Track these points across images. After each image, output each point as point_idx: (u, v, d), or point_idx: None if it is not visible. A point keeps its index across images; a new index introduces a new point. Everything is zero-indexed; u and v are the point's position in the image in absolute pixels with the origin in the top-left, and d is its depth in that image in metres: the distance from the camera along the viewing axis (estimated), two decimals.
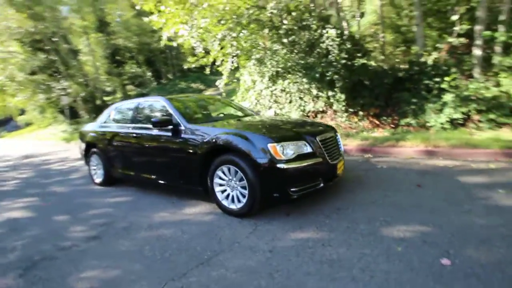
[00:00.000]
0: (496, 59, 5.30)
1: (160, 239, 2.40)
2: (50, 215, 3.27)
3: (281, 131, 2.82)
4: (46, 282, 1.93)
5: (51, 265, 2.15)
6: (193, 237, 2.39)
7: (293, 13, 6.72)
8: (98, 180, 4.40)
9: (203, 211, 2.95)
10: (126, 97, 19.81)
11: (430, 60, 6.02)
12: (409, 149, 4.47)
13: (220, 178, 2.78)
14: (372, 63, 6.39)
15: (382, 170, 3.79)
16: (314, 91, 6.73)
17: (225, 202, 2.77)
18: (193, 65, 9.60)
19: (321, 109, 6.72)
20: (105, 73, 19.67)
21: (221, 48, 8.91)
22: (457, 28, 6.43)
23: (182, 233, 2.47)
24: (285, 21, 6.73)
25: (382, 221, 2.33)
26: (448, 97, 5.36)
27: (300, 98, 6.77)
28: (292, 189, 2.45)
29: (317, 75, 5.98)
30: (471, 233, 2.03)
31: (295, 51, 6.70)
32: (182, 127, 3.08)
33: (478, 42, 5.46)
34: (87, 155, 4.57)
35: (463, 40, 6.45)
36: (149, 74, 22.65)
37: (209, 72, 10.14)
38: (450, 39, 6.32)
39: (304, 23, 6.49)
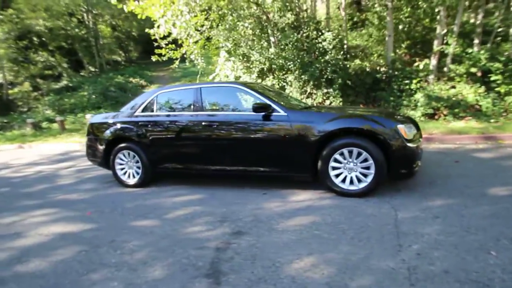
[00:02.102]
0: (447, 68, 6.92)
1: (324, 225, 2.31)
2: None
3: (390, 115, 3.07)
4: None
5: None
6: (350, 219, 2.40)
7: (289, 13, 7.03)
8: (132, 181, 3.69)
9: (313, 197, 2.94)
10: (38, 89, 16.14)
11: (399, 65, 7.35)
12: None
13: (336, 161, 2.85)
14: (366, 64, 7.32)
15: None
16: (308, 89, 7.23)
17: (341, 185, 2.86)
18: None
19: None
20: (9, 61, 15.45)
21: (196, 42, 8.47)
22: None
23: (331, 217, 2.44)
24: (278, 18, 6.97)
25: (475, 186, 2.90)
26: (419, 96, 6.68)
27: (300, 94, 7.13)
28: (413, 165, 2.77)
29: (317, 71, 6.46)
30: None
31: (290, 49, 7.02)
32: (283, 113, 2.99)
33: (435, 53, 6.99)
34: (109, 153, 3.75)
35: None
36: (65, 65, 18.92)
37: (176, 65, 9.45)
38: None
39: (297, 23, 6.89)
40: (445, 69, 7.04)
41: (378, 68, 7.10)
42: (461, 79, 6.52)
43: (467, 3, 7.15)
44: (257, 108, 2.94)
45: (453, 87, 6.62)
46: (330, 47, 6.58)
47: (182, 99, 3.55)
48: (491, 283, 1.51)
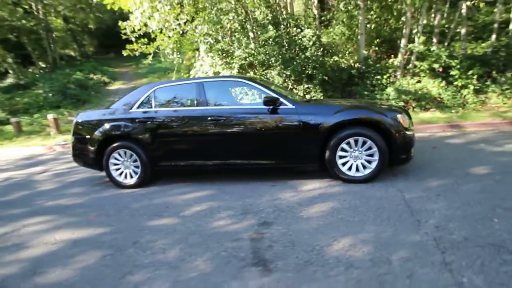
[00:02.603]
0: (412, 64, 7.60)
1: (343, 209, 2.44)
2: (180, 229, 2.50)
3: (386, 107, 3.31)
4: None
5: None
6: (365, 203, 2.57)
7: (267, 10, 7.11)
8: (129, 181, 3.51)
9: (322, 186, 3.08)
10: None
11: (370, 62, 7.88)
12: None
13: (343, 150, 3.03)
14: (344, 61, 7.69)
15: None
16: (289, 84, 7.42)
17: (348, 172, 3.05)
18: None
19: None
20: None
21: (175, 35, 8.19)
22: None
23: (347, 202, 2.60)
24: (258, 14, 7.01)
25: (457, 168, 3.29)
26: (390, 90, 7.26)
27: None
28: (411, 151, 3.06)
29: (299, 67, 6.67)
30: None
31: (269, 44, 7.12)
32: (291, 106, 3.09)
33: (402, 51, 7.62)
34: (101, 153, 3.50)
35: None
36: (10, 60, 16.84)
37: (149, 60, 9.03)
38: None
39: (276, 20, 7.01)
40: (410, 65, 7.73)
41: (353, 64, 7.54)
42: (425, 74, 7.21)
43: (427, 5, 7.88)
44: (267, 101, 2.99)
45: (419, 81, 7.31)
46: (310, 43, 6.83)
47: (183, 94, 3.45)
48: (504, 244, 1.77)
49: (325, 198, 2.73)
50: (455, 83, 6.98)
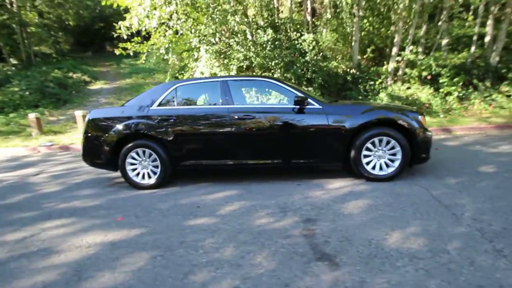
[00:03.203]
0: (402, 71, 8.04)
1: (380, 206, 2.52)
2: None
3: (406, 109, 3.45)
4: None
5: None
6: (396, 199, 2.67)
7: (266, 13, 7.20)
8: (149, 181, 3.38)
9: (347, 184, 3.16)
10: None
11: (364, 68, 8.23)
12: None
13: (367, 149, 3.13)
14: (343, 66, 7.94)
15: None
16: None
17: (372, 171, 3.15)
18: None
19: None
20: None
21: (176, 33, 8.06)
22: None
23: (380, 199, 2.68)
24: (259, 17, 7.08)
25: (467, 167, 3.52)
26: (382, 95, 7.62)
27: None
28: (430, 150, 3.23)
29: (299, 70, 6.80)
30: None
31: (269, 47, 7.19)
32: (318, 106, 3.15)
33: (392, 58, 8.04)
34: (116, 153, 3.34)
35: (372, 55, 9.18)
36: None
37: (143, 61, 8.77)
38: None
39: (276, 23, 7.11)
40: (400, 72, 8.17)
41: (348, 70, 7.82)
42: (414, 81, 7.66)
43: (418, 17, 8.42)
44: (298, 101, 3.03)
45: (409, 88, 7.74)
46: (310, 48, 7.01)
47: (207, 92, 3.40)
48: None
49: (357, 196, 2.80)
50: (441, 90, 7.49)
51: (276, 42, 7.09)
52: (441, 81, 7.29)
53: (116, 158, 3.39)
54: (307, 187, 3.12)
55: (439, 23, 8.57)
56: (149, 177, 3.40)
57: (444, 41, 8.68)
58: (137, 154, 3.36)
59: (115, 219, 2.60)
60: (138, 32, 8.15)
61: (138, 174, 3.41)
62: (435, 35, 8.68)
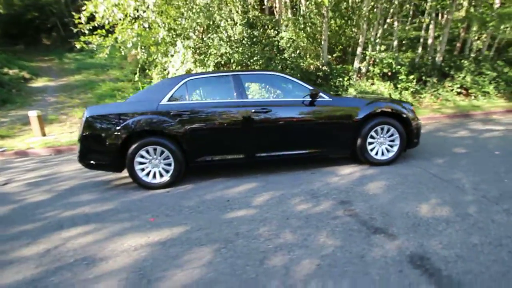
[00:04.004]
0: (365, 68, 8.85)
1: (397, 185, 2.82)
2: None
3: (401, 100, 3.86)
4: None
5: None
6: (405, 179, 3.02)
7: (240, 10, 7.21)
8: (161, 180, 3.22)
9: (357, 169, 3.45)
10: None
11: (333, 66, 8.82)
12: None
13: (371, 137, 3.47)
14: (317, 63, 8.35)
15: None
16: None
17: (376, 156, 3.50)
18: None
19: None
20: None
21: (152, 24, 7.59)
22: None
23: (392, 180, 3.01)
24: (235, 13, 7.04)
25: (442, 149, 4.13)
26: (351, 90, 8.29)
27: None
28: (419, 136, 3.70)
29: (279, 67, 7.01)
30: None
31: (246, 43, 7.24)
32: (328, 99, 3.37)
33: (357, 57, 8.79)
34: (123, 152, 3.11)
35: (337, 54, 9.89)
36: None
37: (106, 53, 8.08)
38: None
39: (254, 20, 7.19)
40: (363, 69, 8.97)
41: (320, 67, 8.32)
42: (377, 78, 8.50)
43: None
44: (312, 94, 3.20)
45: (373, 84, 8.57)
46: (288, 45, 7.26)
47: (219, 86, 3.36)
48: None
49: (371, 179, 3.10)
50: (399, 85, 8.46)
51: (254, 39, 7.19)
52: (400, 77, 8.23)
53: (122, 157, 3.15)
54: (322, 175, 3.33)
55: (394, 26, 9.66)
56: (161, 176, 3.24)
57: (395, 43, 9.82)
58: (147, 152, 3.17)
59: (147, 220, 2.45)
60: (100, 26, 7.48)
61: (148, 173, 3.23)
62: (389, 37, 9.75)
